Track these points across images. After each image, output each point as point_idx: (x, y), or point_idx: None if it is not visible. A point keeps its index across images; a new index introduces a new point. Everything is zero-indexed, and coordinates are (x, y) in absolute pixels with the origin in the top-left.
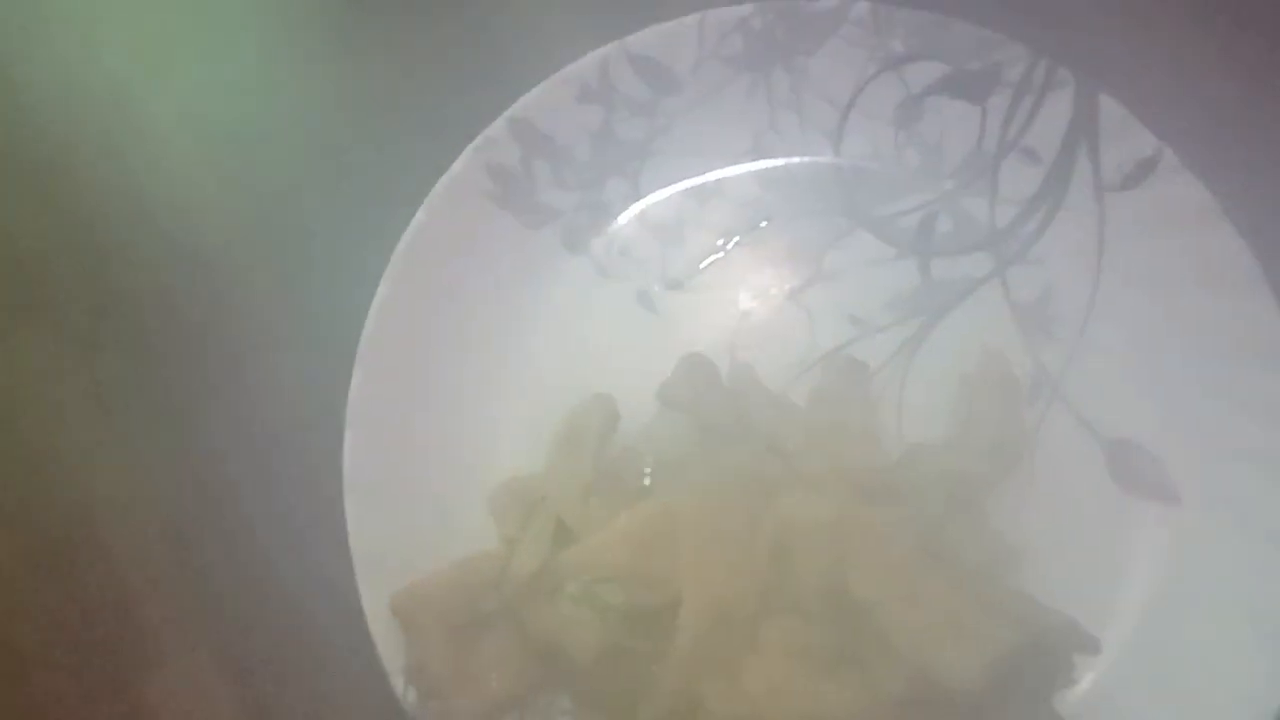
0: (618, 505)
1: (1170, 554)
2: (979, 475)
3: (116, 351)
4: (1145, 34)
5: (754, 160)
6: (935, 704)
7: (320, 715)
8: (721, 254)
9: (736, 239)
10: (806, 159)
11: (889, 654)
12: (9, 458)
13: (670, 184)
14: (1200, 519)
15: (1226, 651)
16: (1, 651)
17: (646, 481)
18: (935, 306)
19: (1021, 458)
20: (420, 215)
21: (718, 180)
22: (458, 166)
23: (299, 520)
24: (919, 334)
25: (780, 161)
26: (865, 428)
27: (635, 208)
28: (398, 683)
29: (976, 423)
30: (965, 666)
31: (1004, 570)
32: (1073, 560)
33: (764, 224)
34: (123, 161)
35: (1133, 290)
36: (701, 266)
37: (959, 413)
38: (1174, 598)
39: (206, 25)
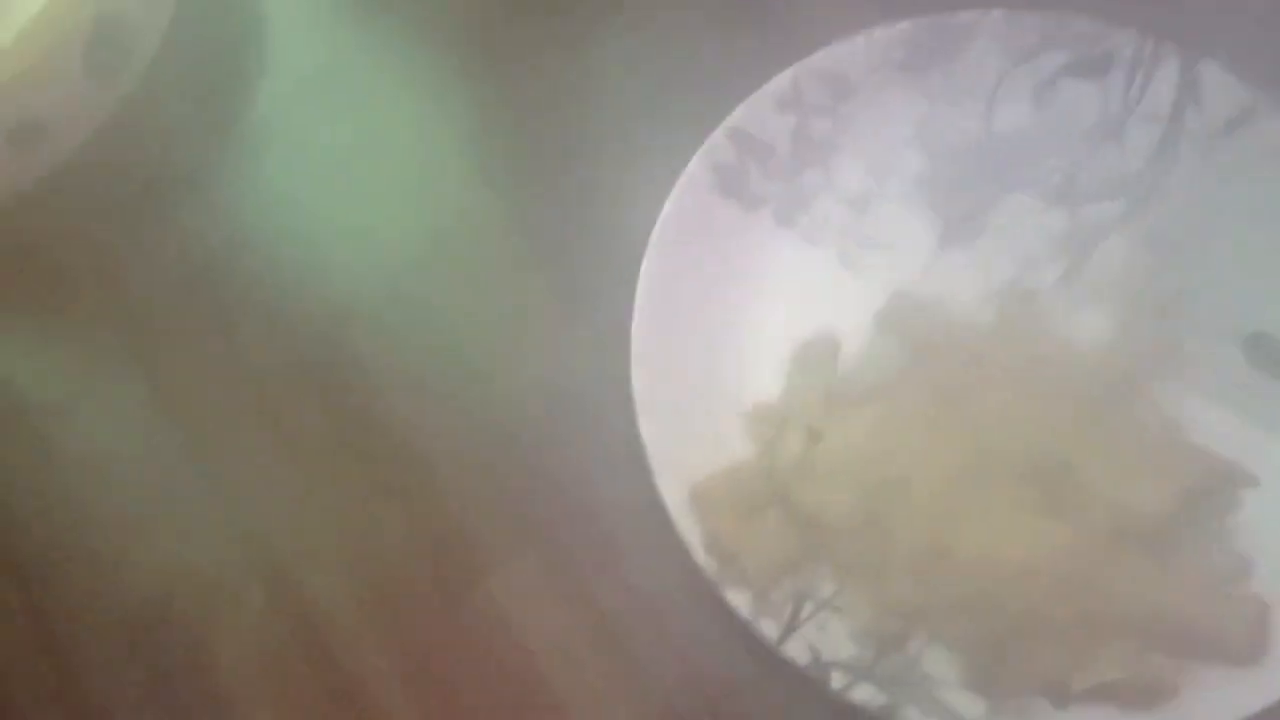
0: (852, 411)
1: None
2: (1137, 367)
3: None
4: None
5: (921, 142)
6: (1134, 531)
7: (637, 588)
8: (904, 219)
9: (915, 206)
10: (964, 138)
11: (1091, 495)
12: (366, 428)
13: (855, 167)
14: None
15: None
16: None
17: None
18: (1085, 244)
19: (1172, 353)
20: (666, 206)
21: (893, 160)
22: (690, 167)
23: (589, 445)
24: (1074, 267)
25: (942, 142)
26: (1044, 333)
27: (829, 189)
28: (699, 555)
29: (1130, 327)
30: (1157, 497)
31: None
32: (1223, 431)
33: (936, 192)
34: None
35: (1248, 208)
36: (888, 229)
37: (1118, 317)
38: None
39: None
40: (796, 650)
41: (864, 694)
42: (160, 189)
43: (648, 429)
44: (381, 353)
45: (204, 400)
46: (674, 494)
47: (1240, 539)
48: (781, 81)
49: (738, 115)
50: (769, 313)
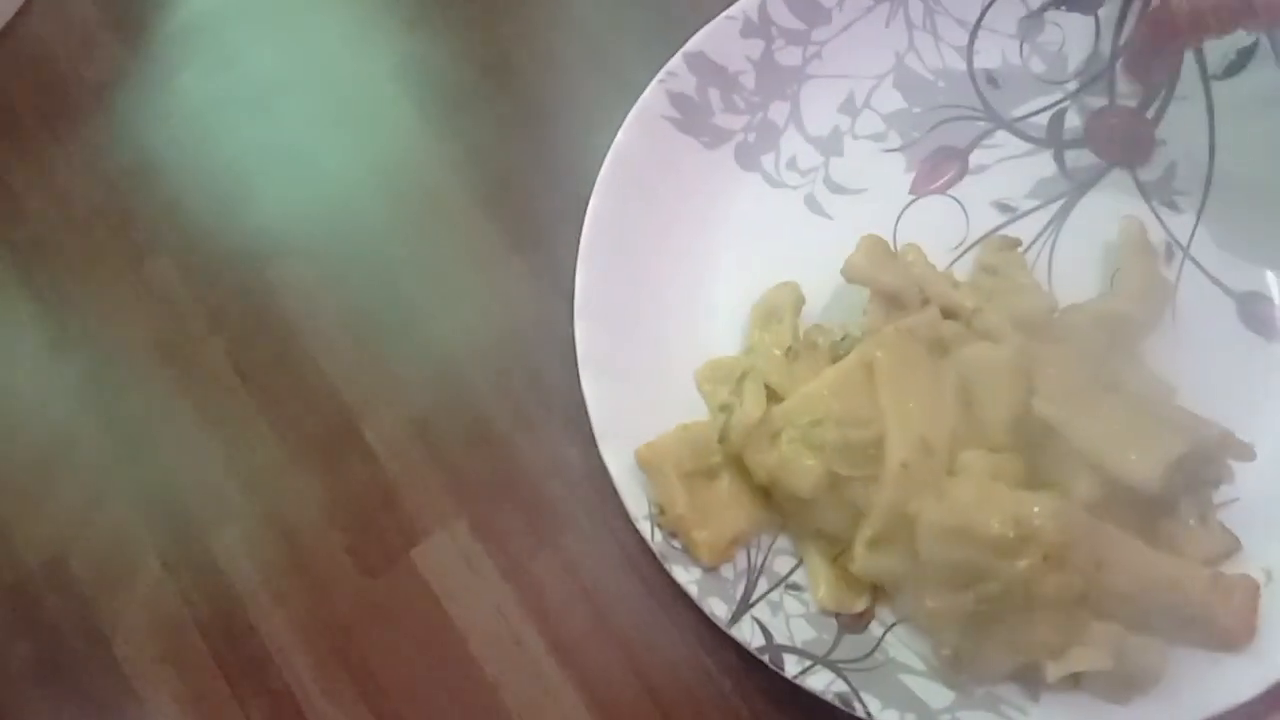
0: (816, 368)
1: None
2: (1131, 317)
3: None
4: None
5: (898, 77)
6: (1121, 503)
7: (577, 561)
8: (876, 159)
9: (889, 146)
10: (944, 73)
11: (1077, 464)
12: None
13: (826, 102)
14: None
15: None
16: (286, 537)
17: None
18: (1072, 190)
19: (1165, 306)
20: (619, 136)
21: (867, 95)
22: (646, 95)
23: (531, 405)
24: (1060, 215)
25: (922, 76)
26: (1027, 283)
27: (796, 125)
28: (643, 526)
29: (1123, 277)
30: (1146, 467)
31: (1162, 399)
32: (1216, 394)
33: (913, 131)
34: None
35: (1242, 162)
36: (859, 171)
37: (1106, 271)
38: None
39: None
40: (748, 632)
41: (820, 680)
42: (64, 106)
43: (590, 386)
44: (307, 296)
45: (109, 346)
46: (618, 458)
47: (1231, 514)
48: (748, 4)
49: (699, 39)
50: (727, 261)
